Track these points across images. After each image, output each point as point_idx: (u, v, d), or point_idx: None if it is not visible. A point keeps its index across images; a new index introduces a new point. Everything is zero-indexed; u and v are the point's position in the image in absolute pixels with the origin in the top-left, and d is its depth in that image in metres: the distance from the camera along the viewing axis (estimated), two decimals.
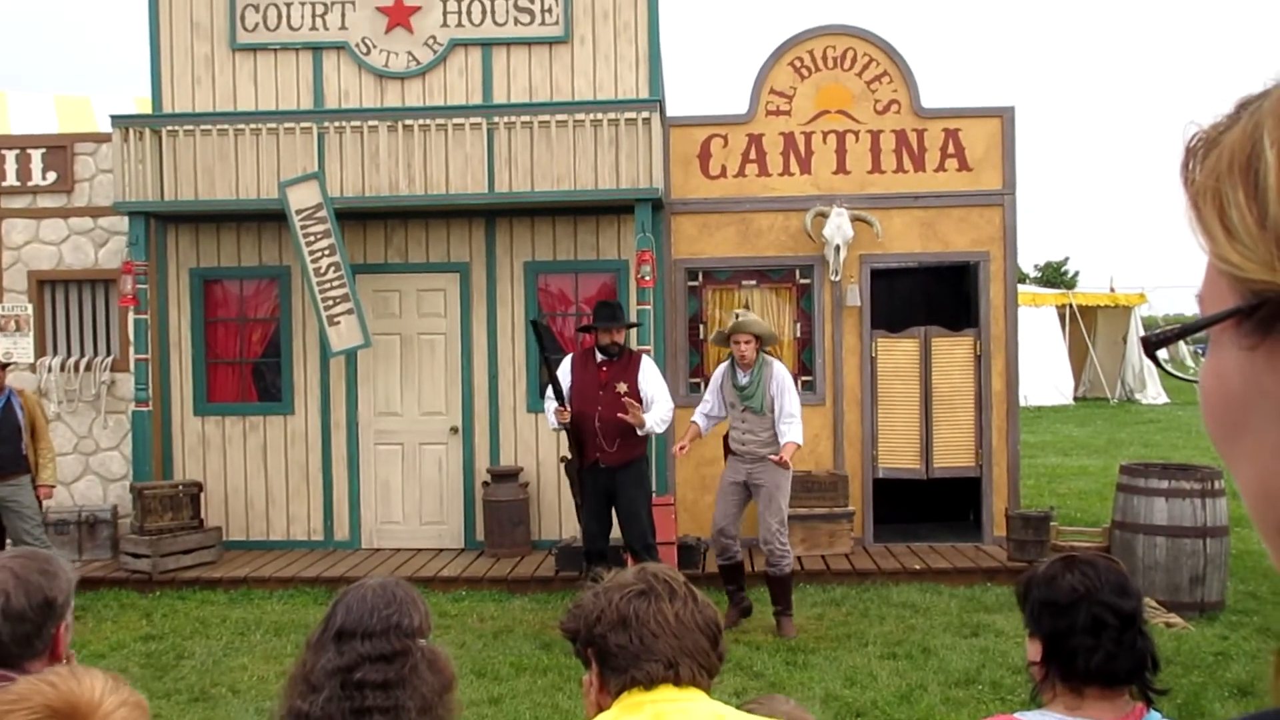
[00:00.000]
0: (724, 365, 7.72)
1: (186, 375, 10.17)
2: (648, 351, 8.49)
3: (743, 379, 7.46)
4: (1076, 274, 47.18)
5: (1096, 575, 2.35)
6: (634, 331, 9.35)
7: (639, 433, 7.39)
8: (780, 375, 7.50)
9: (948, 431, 9.76)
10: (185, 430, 10.20)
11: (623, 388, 7.40)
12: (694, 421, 7.78)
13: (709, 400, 7.75)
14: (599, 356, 7.61)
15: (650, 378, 7.58)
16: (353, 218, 9.74)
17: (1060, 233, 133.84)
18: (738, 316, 7.61)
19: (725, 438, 7.79)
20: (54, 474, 8.54)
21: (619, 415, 7.29)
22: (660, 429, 7.57)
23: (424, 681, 2.44)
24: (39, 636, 2.30)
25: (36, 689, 1.42)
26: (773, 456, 7.32)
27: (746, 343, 7.38)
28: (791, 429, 7.36)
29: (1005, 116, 9.81)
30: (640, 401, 7.42)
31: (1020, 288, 10.57)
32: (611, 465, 7.49)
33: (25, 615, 2.28)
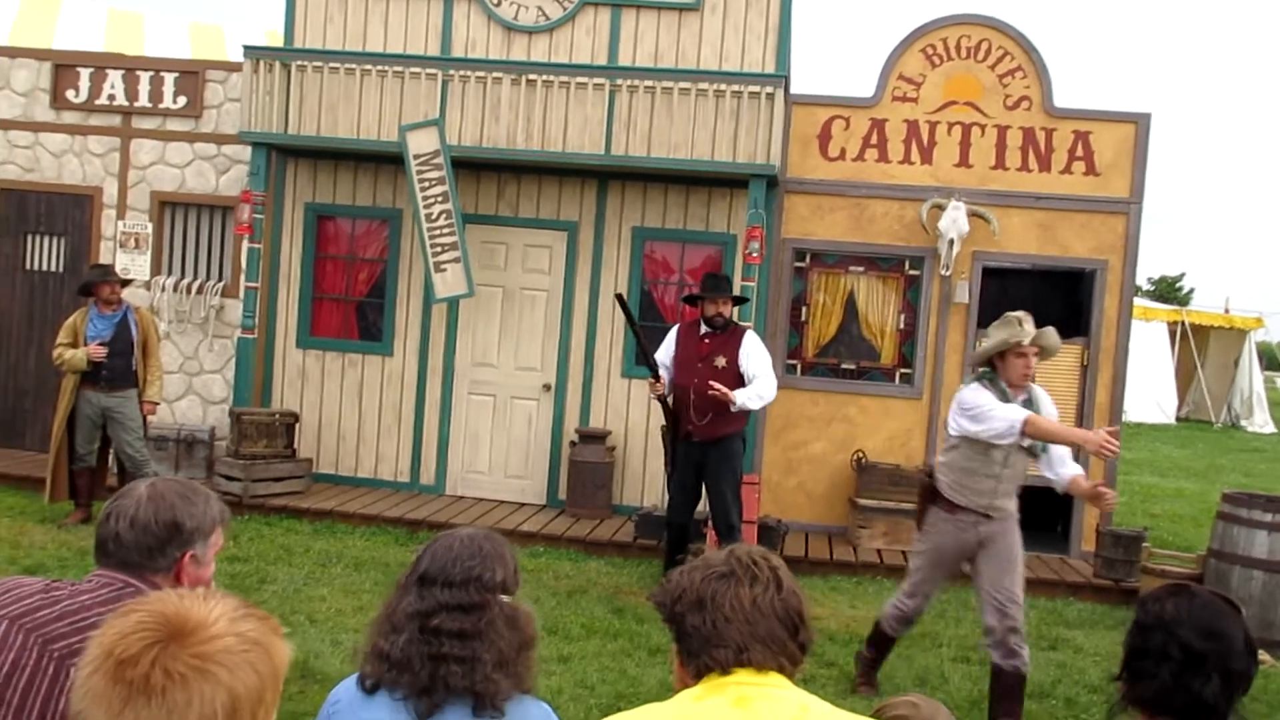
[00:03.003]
0: (974, 386, 5.60)
1: (293, 307, 10.37)
2: (750, 327, 8.42)
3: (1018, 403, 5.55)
4: (1191, 291, 45.91)
5: (1187, 610, 2.30)
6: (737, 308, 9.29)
7: (732, 409, 7.31)
8: (1049, 402, 5.80)
9: None
10: (286, 361, 10.40)
11: (722, 362, 7.33)
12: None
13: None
14: (703, 329, 7.54)
15: (753, 353, 7.44)
16: (468, 167, 9.80)
17: (1178, 247, 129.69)
18: (1020, 323, 5.51)
19: (928, 487, 5.97)
20: (159, 391, 8.78)
21: (711, 390, 7.19)
22: (755, 405, 7.39)
23: (501, 636, 2.44)
24: (161, 553, 2.30)
25: (163, 597, 1.48)
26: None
27: (1035, 355, 5.56)
28: (1069, 464, 5.73)
29: (1140, 123, 9.50)
30: (741, 377, 7.35)
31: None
32: (703, 440, 7.44)
33: (149, 528, 2.29)
